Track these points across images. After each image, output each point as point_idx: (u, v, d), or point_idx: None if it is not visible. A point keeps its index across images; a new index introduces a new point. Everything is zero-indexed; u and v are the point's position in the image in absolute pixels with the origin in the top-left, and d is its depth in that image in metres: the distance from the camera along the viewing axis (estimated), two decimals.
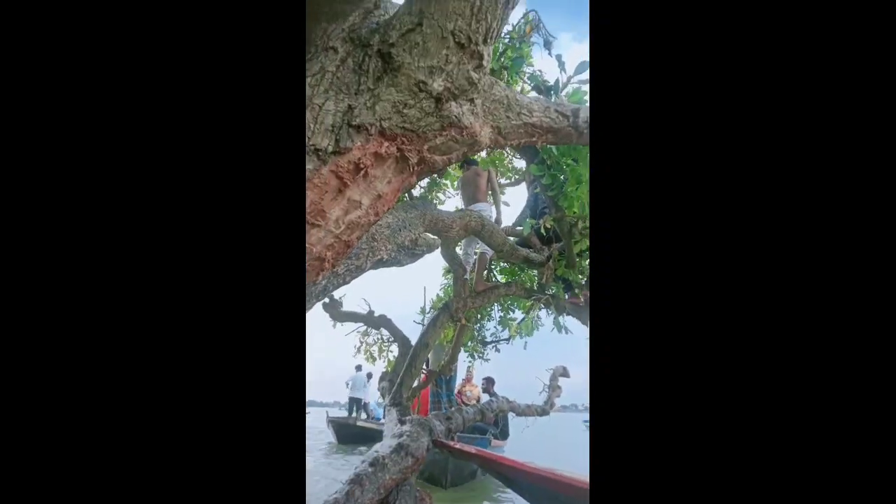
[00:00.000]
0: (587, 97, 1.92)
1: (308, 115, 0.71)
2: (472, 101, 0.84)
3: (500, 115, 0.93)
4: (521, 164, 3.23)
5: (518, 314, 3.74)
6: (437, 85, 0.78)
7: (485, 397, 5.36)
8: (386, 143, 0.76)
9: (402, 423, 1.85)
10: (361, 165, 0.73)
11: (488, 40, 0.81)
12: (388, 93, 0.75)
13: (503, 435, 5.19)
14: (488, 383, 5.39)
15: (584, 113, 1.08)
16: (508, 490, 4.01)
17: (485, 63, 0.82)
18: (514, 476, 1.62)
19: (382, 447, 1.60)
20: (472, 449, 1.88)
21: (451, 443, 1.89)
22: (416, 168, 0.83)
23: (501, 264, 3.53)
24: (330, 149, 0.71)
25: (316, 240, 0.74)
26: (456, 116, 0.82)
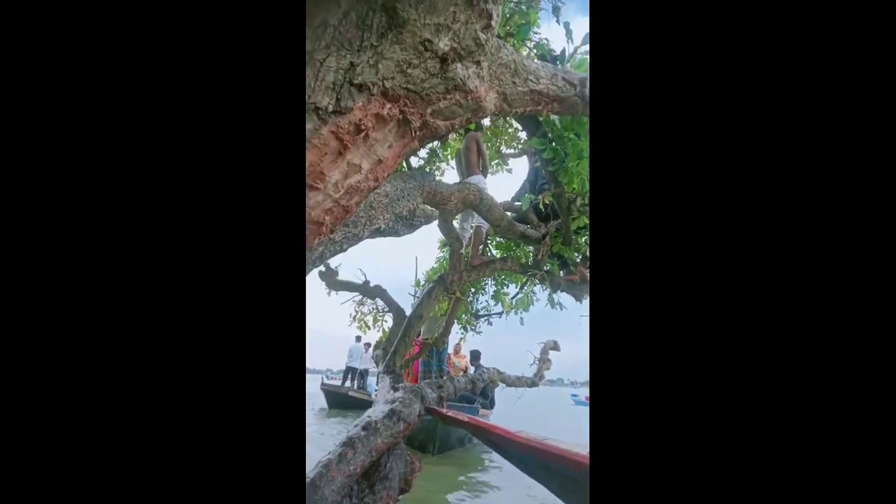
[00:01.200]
0: None
1: (308, 72, 0.67)
2: (478, 63, 0.81)
3: (507, 81, 0.90)
4: (524, 135, 3.17)
5: (512, 289, 3.77)
6: (444, 44, 0.74)
7: (471, 370, 5.50)
8: (388, 105, 0.73)
9: (394, 389, 1.89)
10: (362, 127, 0.71)
11: None
12: (391, 50, 0.72)
13: (490, 405, 5.36)
14: (474, 357, 5.51)
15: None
16: (494, 457, 4.19)
17: (493, 23, 0.78)
18: (504, 444, 1.67)
19: (375, 412, 1.64)
20: (464, 416, 1.94)
21: (444, 410, 1.95)
22: (418, 133, 0.80)
23: (498, 239, 3.53)
24: (330, 108, 0.68)
25: (314, 203, 0.72)
26: (461, 79, 0.78)
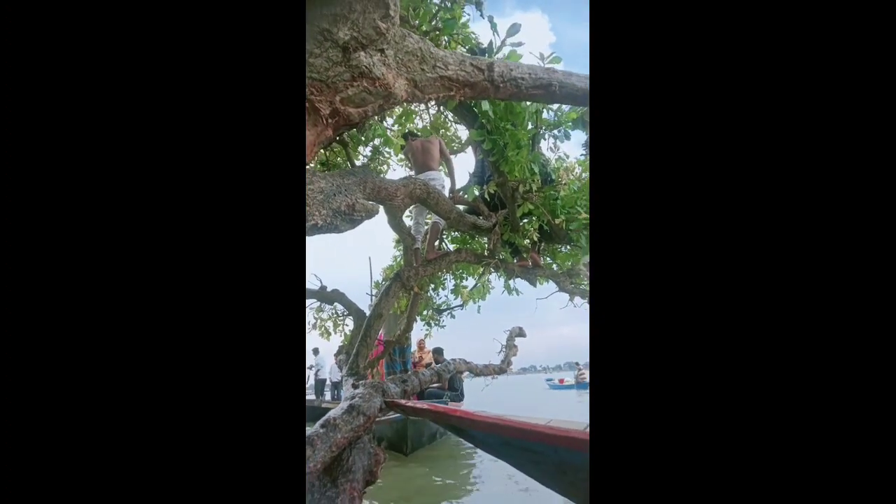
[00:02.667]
0: (520, 58, 1.95)
1: None
2: (382, 51, 0.85)
3: (415, 68, 0.94)
4: (464, 133, 3.25)
5: (471, 282, 3.86)
6: (343, 34, 0.77)
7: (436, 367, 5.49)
8: None
9: (354, 387, 1.89)
10: None
11: None
12: None
13: (459, 397, 5.40)
14: (437, 354, 5.50)
15: (499, 67, 1.11)
16: (469, 448, 4.25)
17: (391, 13, 0.83)
18: (464, 426, 1.72)
19: (335, 410, 1.65)
20: (423, 405, 1.97)
21: (402, 402, 1.97)
22: (329, 120, 0.83)
23: (453, 234, 3.60)
24: None
25: None
26: (366, 66, 0.82)
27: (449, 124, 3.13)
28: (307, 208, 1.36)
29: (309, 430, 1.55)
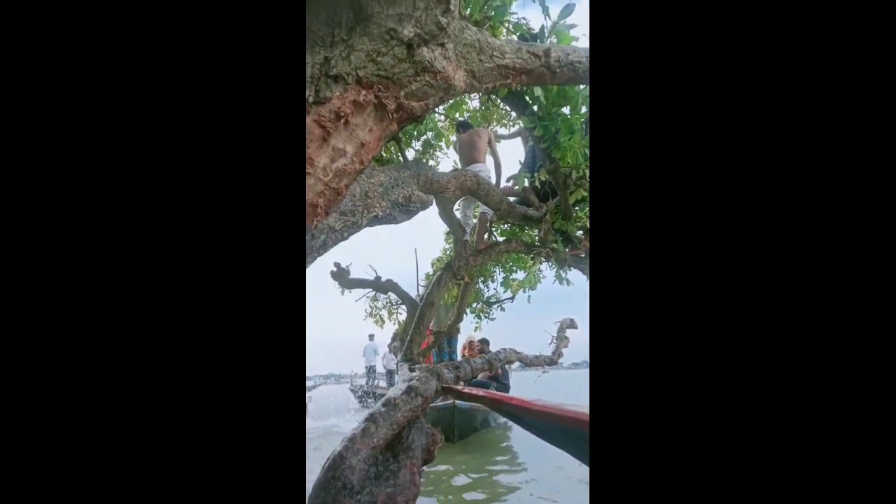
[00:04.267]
0: (575, 41, 1.90)
1: None
2: (443, 45, 0.88)
3: (473, 59, 0.97)
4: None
5: (521, 275, 3.83)
6: (408, 31, 0.81)
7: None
8: (363, 91, 0.81)
9: (411, 370, 1.98)
10: (342, 113, 0.79)
11: None
12: (361, 42, 0.80)
13: (505, 388, 5.38)
14: (483, 344, 5.46)
15: (556, 52, 1.10)
16: (514, 436, 4.23)
17: (452, 7, 0.85)
18: (521, 413, 1.74)
19: (394, 391, 1.74)
20: (479, 391, 2.01)
21: (459, 386, 2.03)
22: (395, 115, 0.88)
23: (503, 226, 3.59)
24: (311, 99, 0.76)
25: (307, 187, 0.81)
26: (429, 61, 0.86)
27: (501, 108, 3.11)
28: (368, 201, 1.44)
29: (371, 410, 1.66)
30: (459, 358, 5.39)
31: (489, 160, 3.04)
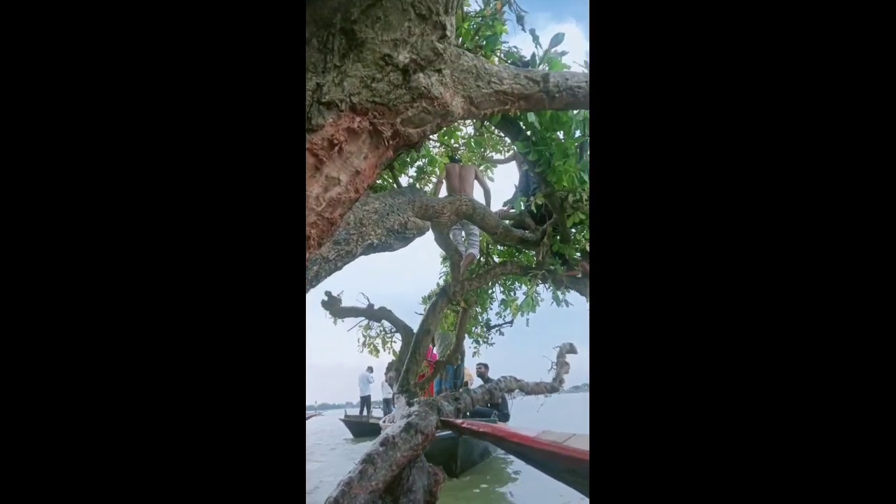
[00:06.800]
0: (567, 68, 1.92)
1: None
2: (439, 71, 0.86)
3: (471, 85, 0.95)
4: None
5: (520, 295, 3.77)
6: (403, 57, 0.79)
7: (479, 381, 5.33)
8: (358, 118, 0.78)
9: (409, 405, 1.88)
10: (335, 141, 0.75)
11: (449, 10, 0.82)
12: (354, 68, 0.77)
13: (505, 417, 5.21)
14: (484, 368, 5.36)
15: (554, 77, 1.09)
16: (518, 469, 4.07)
17: (448, 33, 0.84)
18: (524, 451, 1.65)
19: (392, 428, 1.64)
20: (483, 426, 1.92)
21: (459, 421, 1.93)
22: (391, 142, 0.85)
23: (499, 248, 3.56)
24: None
25: None
26: (425, 87, 0.83)
27: (494, 133, 3.14)
28: (363, 228, 1.40)
29: (367, 447, 1.56)
30: (475, 381, 5.23)
31: (477, 188, 3.05)
